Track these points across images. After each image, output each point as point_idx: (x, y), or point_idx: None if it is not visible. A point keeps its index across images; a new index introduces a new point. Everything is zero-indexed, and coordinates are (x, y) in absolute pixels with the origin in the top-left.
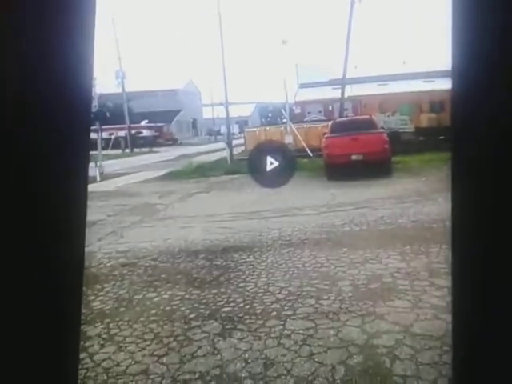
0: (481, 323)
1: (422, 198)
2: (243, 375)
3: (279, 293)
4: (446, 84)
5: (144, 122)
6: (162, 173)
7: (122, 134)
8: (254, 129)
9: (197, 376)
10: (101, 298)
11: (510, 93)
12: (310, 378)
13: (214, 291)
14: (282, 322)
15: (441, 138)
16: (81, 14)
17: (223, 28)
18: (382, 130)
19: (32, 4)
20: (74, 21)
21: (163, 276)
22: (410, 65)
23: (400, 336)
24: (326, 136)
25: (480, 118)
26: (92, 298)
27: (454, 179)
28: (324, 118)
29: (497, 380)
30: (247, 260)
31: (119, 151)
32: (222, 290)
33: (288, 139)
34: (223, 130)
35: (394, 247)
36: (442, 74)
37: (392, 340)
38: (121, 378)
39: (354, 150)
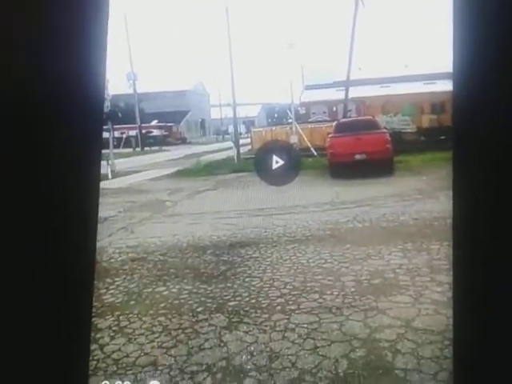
0: (481, 318)
1: (423, 196)
2: (249, 367)
3: (284, 288)
4: (446, 86)
5: (154, 122)
6: (171, 171)
7: (132, 133)
8: (261, 129)
9: (204, 368)
10: (111, 291)
11: (509, 94)
12: (313, 371)
13: (221, 286)
14: (287, 316)
15: (442, 138)
16: (94, 19)
17: (231, 31)
18: (385, 130)
19: (47, 10)
20: (88, 27)
21: (172, 271)
22: (412, 67)
23: (402, 330)
24: (330, 136)
25: (480, 118)
26: (103, 291)
27: (454, 178)
28: (328, 118)
29: (496, 374)
30: (253, 256)
31: (130, 150)
32: (229, 284)
33: (293, 139)
34: (230, 129)
35: (395, 244)
36: (442, 76)
37: (394, 334)
38: (130, 369)
39: (358, 149)
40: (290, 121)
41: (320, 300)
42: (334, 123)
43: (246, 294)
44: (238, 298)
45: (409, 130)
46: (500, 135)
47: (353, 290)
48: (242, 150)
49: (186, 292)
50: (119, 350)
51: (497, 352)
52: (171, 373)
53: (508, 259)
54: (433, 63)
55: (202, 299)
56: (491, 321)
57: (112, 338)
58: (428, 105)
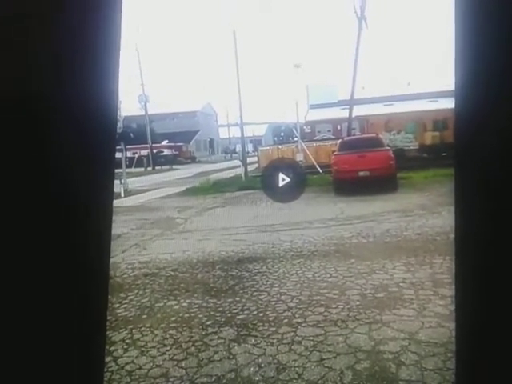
0: (483, 331)
1: (426, 212)
2: (257, 379)
3: (291, 301)
4: (448, 103)
5: (165, 142)
6: (181, 189)
7: (144, 153)
8: (267, 147)
9: (213, 379)
10: (125, 305)
11: (510, 111)
12: (319, 382)
13: (230, 300)
14: (294, 329)
15: (444, 154)
16: (107, 43)
17: (238, 53)
18: (388, 148)
19: (60, 32)
20: (101, 50)
21: (182, 285)
22: (415, 86)
23: (405, 343)
24: (334, 153)
25: (482, 135)
26: (117, 305)
27: (457, 194)
28: (333, 136)
29: None
30: (260, 270)
31: (142, 169)
32: (237, 298)
33: (299, 157)
34: (238, 148)
35: (399, 258)
36: (444, 94)
37: (398, 346)
38: (143, 381)
39: (362, 166)
40: (295, 139)
41: (326, 313)
42: (339, 141)
43: (254, 308)
44: (246, 312)
45: (412, 147)
46: (502, 152)
47: (357, 303)
48: (249, 168)
49: (196, 306)
50: (132, 362)
51: (499, 364)
52: None
53: (509, 273)
54: (435, 81)
55: (212, 313)
56: (493, 334)
57: (125, 350)
58: (430, 122)
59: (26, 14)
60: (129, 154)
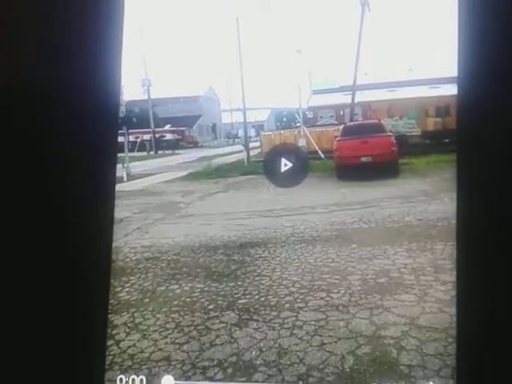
0: (483, 316)
1: (427, 198)
2: (258, 363)
3: (292, 286)
4: (451, 90)
5: (167, 127)
6: (184, 173)
7: (147, 137)
8: (270, 132)
9: (215, 363)
10: (127, 289)
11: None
12: (320, 367)
13: (232, 284)
14: (295, 314)
15: (446, 140)
16: (110, 28)
17: (241, 39)
18: (390, 134)
19: (64, 19)
20: (104, 36)
21: (184, 269)
22: (417, 72)
23: (406, 328)
24: (337, 139)
25: (483, 121)
26: (119, 289)
27: (458, 180)
28: (335, 122)
29: (498, 370)
30: (262, 255)
31: (144, 153)
32: (239, 283)
33: (301, 142)
34: (241, 133)
35: (400, 244)
36: (447, 81)
37: (398, 332)
38: (145, 364)
39: (364, 152)
40: (298, 125)
41: (327, 298)
42: (341, 127)
43: (256, 292)
44: (248, 296)
45: (414, 133)
46: (503, 138)
47: (359, 288)
48: (251, 153)
49: (198, 290)
50: (134, 345)
51: (498, 348)
52: (184, 367)
53: (509, 259)
54: (437, 68)
55: (214, 297)
56: (493, 318)
57: (127, 334)
58: (433, 108)
59: None
60: (131, 139)
